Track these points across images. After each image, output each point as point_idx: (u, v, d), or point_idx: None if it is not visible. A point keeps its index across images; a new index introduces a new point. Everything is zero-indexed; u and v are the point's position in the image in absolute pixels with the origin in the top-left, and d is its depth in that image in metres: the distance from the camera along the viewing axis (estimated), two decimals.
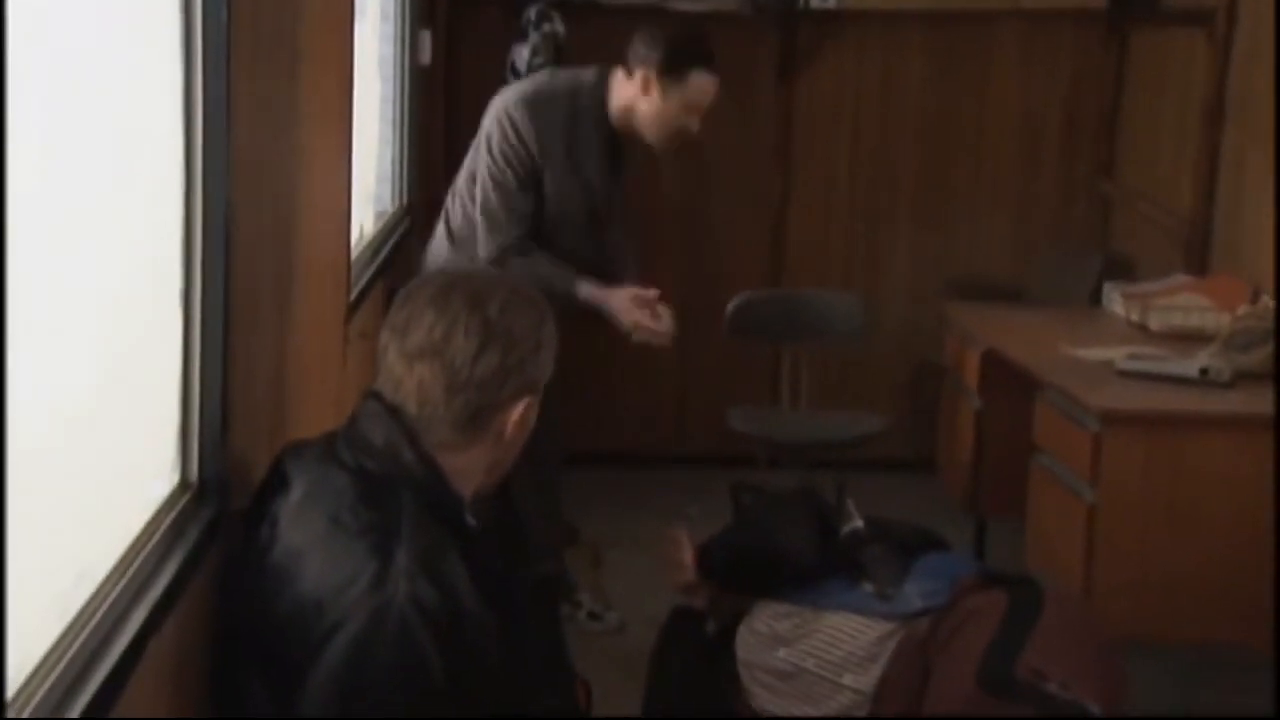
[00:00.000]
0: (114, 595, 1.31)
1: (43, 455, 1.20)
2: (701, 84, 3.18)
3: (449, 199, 3.38)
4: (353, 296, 2.75)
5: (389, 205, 3.82)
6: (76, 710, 1.14)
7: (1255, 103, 3.81)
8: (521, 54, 4.45)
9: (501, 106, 3.20)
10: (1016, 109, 4.88)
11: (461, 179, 3.32)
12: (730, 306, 4.27)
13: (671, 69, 3.14)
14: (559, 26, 4.47)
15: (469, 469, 1.58)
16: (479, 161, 3.23)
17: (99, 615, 1.26)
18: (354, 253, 2.92)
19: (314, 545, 1.48)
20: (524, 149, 3.17)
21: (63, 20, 1.26)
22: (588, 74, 3.26)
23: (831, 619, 2.89)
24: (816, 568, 2.92)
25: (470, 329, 1.53)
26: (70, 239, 1.28)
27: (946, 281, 4.76)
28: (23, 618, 1.14)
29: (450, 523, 1.54)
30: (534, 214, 3.22)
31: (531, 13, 4.45)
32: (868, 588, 2.90)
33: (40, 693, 1.13)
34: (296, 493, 1.55)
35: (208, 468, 1.61)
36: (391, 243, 3.50)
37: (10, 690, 1.10)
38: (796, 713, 2.91)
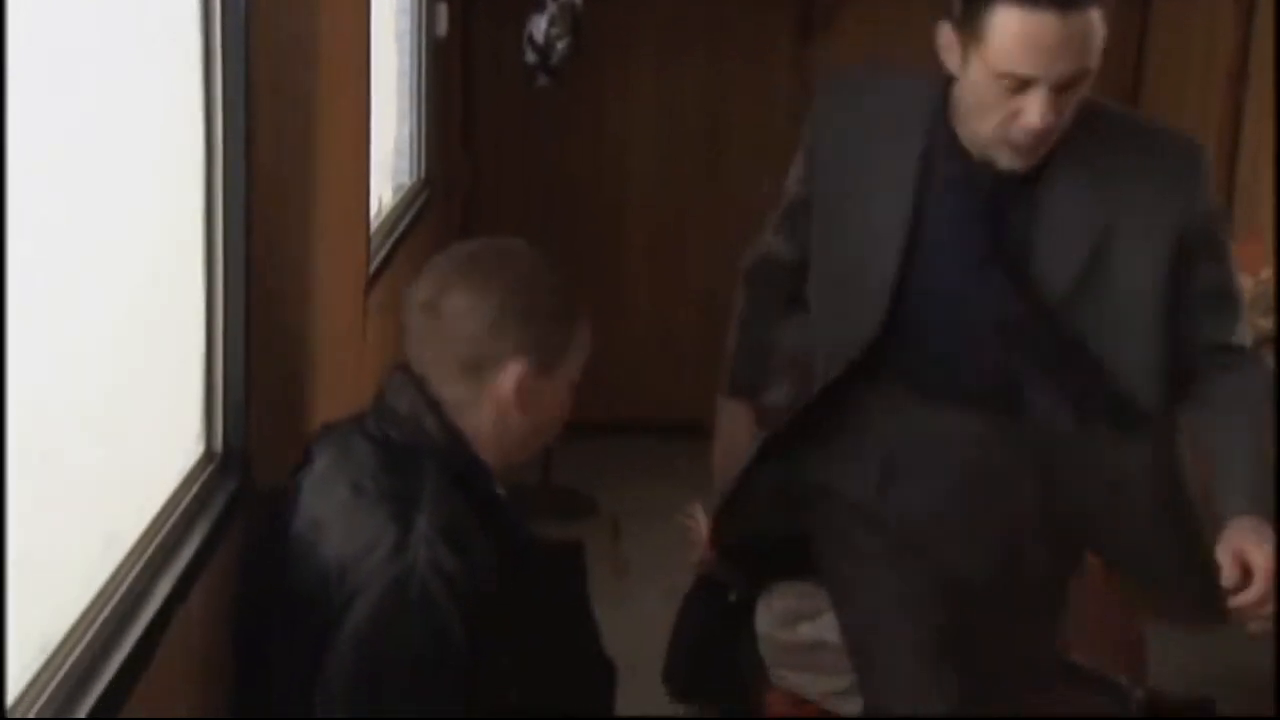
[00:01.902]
0: (142, 563, 1.33)
1: (70, 424, 1.22)
2: (1012, 26, 1.64)
3: None
4: (372, 269, 2.76)
5: (407, 178, 3.82)
6: (105, 678, 1.16)
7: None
8: (539, 25, 4.44)
9: None
10: None
11: None
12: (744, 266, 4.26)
13: (968, 19, 1.71)
14: None
15: (487, 433, 1.58)
16: None
17: (128, 582, 1.28)
18: (373, 225, 2.92)
19: (336, 514, 1.50)
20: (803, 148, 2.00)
21: None
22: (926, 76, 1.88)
23: None
24: None
25: (475, 284, 1.57)
26: (91, 213, 1.29)
27: None
28: (53, 578, 1.16)
29: (475, 492, 1.54)
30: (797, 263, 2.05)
31: None
32: None
33: (70, 660, 1.15)
34: (320, 463, 1.58)
35: (231, 439, 1.63)
36: (410, 215, 3.50)
37: (40, 660, 1.12)
38: (818, 684, 2.92)
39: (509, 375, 1.56)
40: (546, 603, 1.58)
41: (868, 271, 1.86)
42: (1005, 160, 1.71)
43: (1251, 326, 3.28)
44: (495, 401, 1.57)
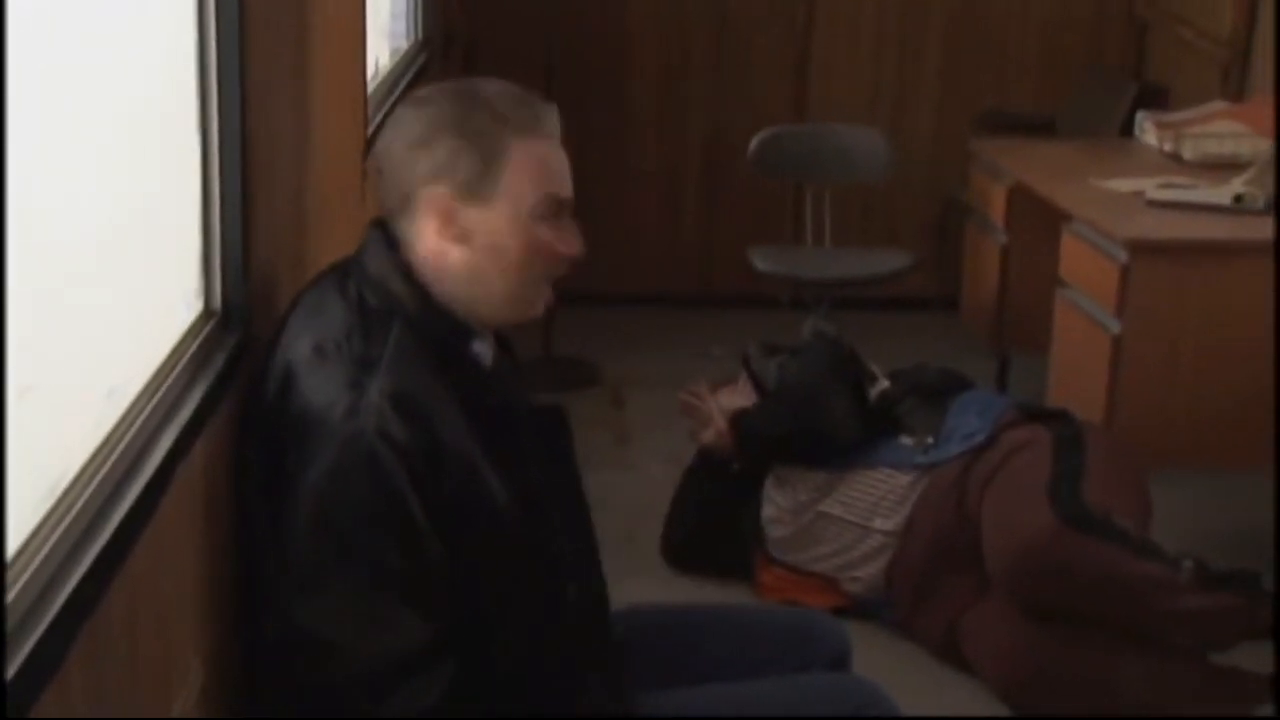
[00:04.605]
0: (145, 415, 1.32)
1: (70, 278, 1.21)
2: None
3: None
4: (370, 130, 2.71)
5: (404, 40, 3.75)
6: (111, 526, 1.16)
7: None
8: None
9: None
10: None
11: None
12: (754, 143, 4.21)
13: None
14: None
15: (433, 273, 1.53)
16: None
17: (131, 434, 1.28)
18: (370, 88, 2.87)
19: (302, 368, 1.49)
20: None
21: None
22: None
23: (864, 471, 2.90)
24: (859, 439, 2.91)
25: (400, 119, 1.56)
26: (87, 68, 1.27)
27: (974, 116, 4.66)
28: (57, 426, 1.16)
29: (448, 357, 1.52)
30: None
31: None
32: (905, 440, 2.90)
33: (76, 507, 1.15)
34: (300, 312, 1.57)
35: (231, 295, 1.62)
36: (408, 78, 3.44)
37: (46, 505, 1.12)
38: (822, 561, 2.94)
39: (429, 203, 1.53)
40: (532, 467, 1.56)
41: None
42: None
43: (1265, 188, 3.26)
44: (431, 239, 1.54)
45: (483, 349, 1.58)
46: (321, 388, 1.46)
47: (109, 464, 1.22)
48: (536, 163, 1.54)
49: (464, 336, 1.55)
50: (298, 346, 1.51)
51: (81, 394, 1.24)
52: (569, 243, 1.57)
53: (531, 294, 1.58)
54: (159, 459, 1.29)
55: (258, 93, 1.67)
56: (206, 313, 1.61)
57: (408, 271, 1.53)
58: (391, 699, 1.42)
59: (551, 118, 1.57)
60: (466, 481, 1.46)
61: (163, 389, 1.39)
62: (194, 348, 1.51)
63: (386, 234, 1.56)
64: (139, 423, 1.31)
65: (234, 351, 1.57)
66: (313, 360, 1.48)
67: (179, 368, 1.45)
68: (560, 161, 1.57)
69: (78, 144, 1.24)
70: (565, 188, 1.57)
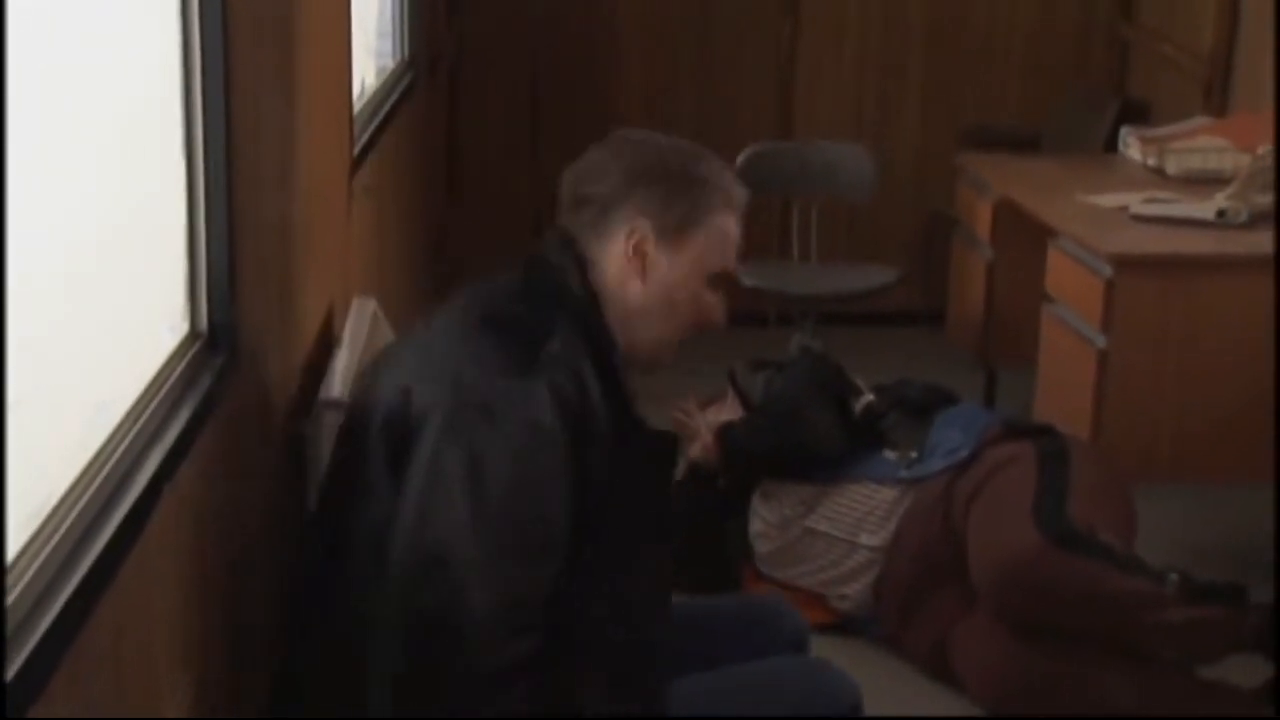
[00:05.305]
0: (133, 434, 1.32)
1: (58, 292, 1.21)
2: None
3: None
4: (356, 151, 2.72)
5: (390, 60, 3.75)
6: (95, 551, 1.16)
7: None
8: None
9: None
10: None
11: None
12: (740, 160, 4.22)
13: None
14: None
15: (611, 299, 1.62)
16: None
17: (119, 452, 1.28)
18: (356, 107, 2.88)
19: (462, 330, 1.56)
20: None
21: None
22: None
23: (849, 486, 2.90)
24: (843, 452, 2.92)
25: (611, 150, 1.67)
26: (73, 94, 1.27)
27: (959, 131, 4.69)
28: (44, 441, 1.16)
29: (598, 359, 1.58)
30: None
31: None
32: (889, 455, 2.90)
33: (64, 526, 1.15)
34: (459, 297, 1.64)
35: (217, 317, 1.63)
36: (394, 98, 3.45)
37: (34, 525, 1.12)
38: (810, 576, 2.95)
39: (629, 231, 1.62)
40: (634, 487, 1.60)
41: None
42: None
43: (1248, 203, 3.28)
44: (616, 262, 1.62)
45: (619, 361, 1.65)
46: (484, 348, 1.53)
47: (95, 485, 1.22)
48: (727, 236, 1.68)
49: (613, 345, 1.62)
50: (462, 317, 1.58)
51: (67, 411, 1.24)
52: (719, 312, 1.70)
53: (669, 349, 1.69)
54: (145, 480, 1.29)
55: (243, 112, 1.67)
56: (192, 334, 1.61)
57: (584, 269, 1.62)
58: (503, 648, 1.44)
59: (745, 199, 1.73)
60: (592, 465, 1.52)
61: (148, 410, 1.39)
62: (180, 369, 1.51)
63: (566, 235, 1.65)
64: (125, 444, 1.31)
65: (220, 373, 1.57)
66: (483, 322, 1.57)
67: (165, 389, 1.45)
68: (738, 240, 1.71)
69: (73, 147, 1.25)
70: (734, 263, 1.71)
